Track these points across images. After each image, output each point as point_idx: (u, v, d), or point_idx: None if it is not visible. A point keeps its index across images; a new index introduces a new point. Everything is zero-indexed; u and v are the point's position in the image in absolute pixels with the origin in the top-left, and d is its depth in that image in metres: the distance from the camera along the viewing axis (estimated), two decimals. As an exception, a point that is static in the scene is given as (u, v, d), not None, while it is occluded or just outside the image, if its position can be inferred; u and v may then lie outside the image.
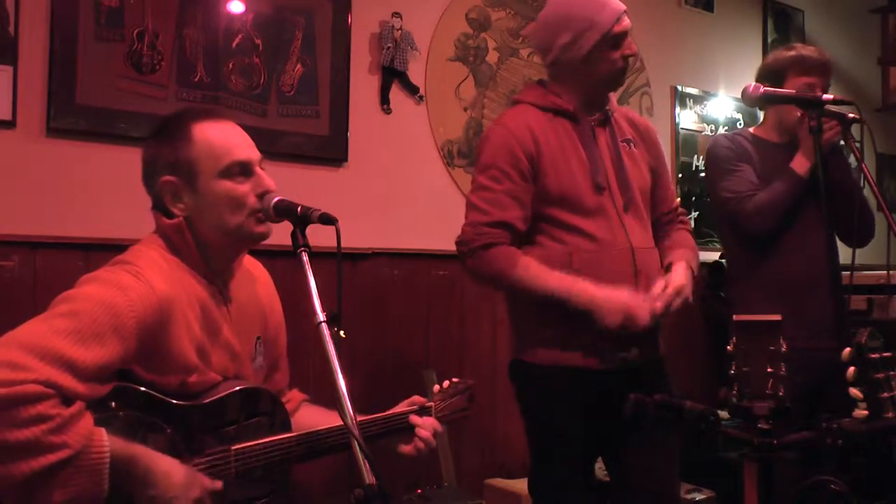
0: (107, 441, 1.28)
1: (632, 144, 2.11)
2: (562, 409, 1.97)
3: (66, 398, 1.27)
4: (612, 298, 1.88)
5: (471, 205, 2.02)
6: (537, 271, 1.93)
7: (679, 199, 2.27)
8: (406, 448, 1.76)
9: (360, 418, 1.35)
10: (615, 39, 1.98)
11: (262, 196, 1.55)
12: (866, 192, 2.67)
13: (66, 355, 1.27)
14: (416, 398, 1.82)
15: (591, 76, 2.01)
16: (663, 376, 2.10)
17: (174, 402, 1.45)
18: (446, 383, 1.92)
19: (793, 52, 2.56)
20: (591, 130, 2.04)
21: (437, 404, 1.86)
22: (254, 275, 1.75)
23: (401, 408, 1.79)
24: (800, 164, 2.44)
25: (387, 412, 1.75)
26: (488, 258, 1.96)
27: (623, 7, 2.01)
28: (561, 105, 2.04)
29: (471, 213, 2.01)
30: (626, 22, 2.00)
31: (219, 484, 1.44)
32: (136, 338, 1.38)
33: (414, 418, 1.76)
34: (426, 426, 1.76)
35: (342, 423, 1.29)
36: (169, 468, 1.36)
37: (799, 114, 2.40)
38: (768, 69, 2.59)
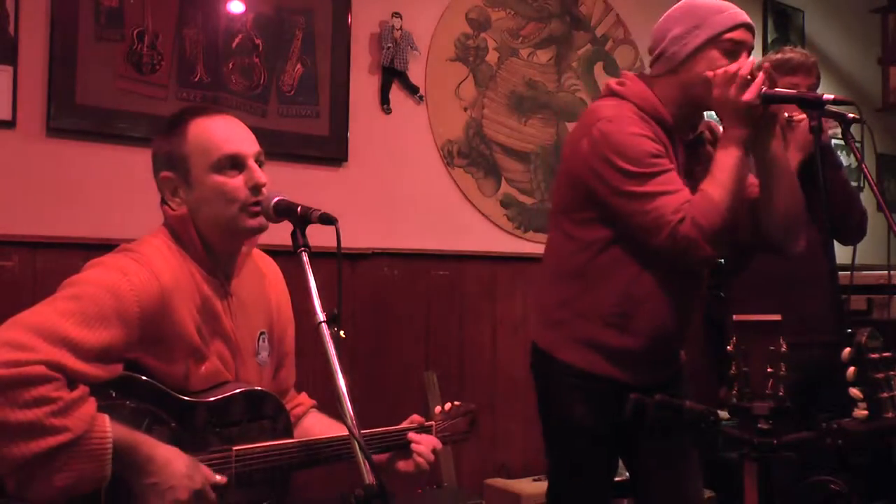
0: (109, 427, 1.30)
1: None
2: (589, 409, 1.93)
3: (71, 380, 1.29)
4: None
5: (649, 195, 1.79)
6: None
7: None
8: (403, 465, 1.75)
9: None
10: (728, 45, 1.86)
11: (254, 189, 1.54)
12: (866, 193, 2.67)
13: (69, 336, 1.30)
14: (416, 417, 1.81)
15: (687, 79, 1.90)
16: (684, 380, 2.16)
17: (181, 397, 1.47)
18: (448, 405, 1.90)
19: (778, 55, 2.57)
20: (677, 145, 1.95)
21: (439, 424, 1.84)
22: (262, 270, 1.75)
23: (401, 426, 1.78)
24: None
25: (386, 429, 1.73)
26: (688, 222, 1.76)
27: (744, 19, 1.88)
28: (662, 114, 1.92)
29: (659, 202, 1.78)
30: (745, 34, 1.88)
31: (223, 478, 1.44)
32: (139, 322, 1.40)
33: (412, 435, 1.74)
34: (425, 442, 1.74)
35: (346, 433, 1.28)
36: (170, 457, 1.37)
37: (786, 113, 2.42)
38: None
